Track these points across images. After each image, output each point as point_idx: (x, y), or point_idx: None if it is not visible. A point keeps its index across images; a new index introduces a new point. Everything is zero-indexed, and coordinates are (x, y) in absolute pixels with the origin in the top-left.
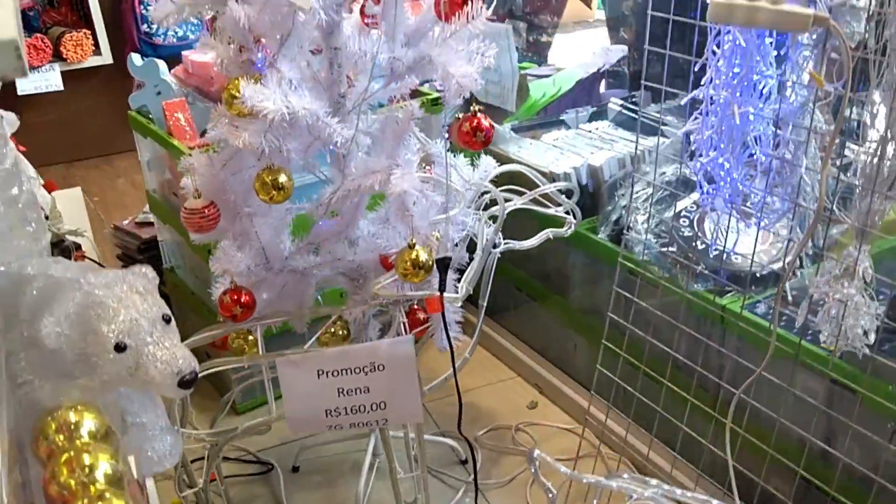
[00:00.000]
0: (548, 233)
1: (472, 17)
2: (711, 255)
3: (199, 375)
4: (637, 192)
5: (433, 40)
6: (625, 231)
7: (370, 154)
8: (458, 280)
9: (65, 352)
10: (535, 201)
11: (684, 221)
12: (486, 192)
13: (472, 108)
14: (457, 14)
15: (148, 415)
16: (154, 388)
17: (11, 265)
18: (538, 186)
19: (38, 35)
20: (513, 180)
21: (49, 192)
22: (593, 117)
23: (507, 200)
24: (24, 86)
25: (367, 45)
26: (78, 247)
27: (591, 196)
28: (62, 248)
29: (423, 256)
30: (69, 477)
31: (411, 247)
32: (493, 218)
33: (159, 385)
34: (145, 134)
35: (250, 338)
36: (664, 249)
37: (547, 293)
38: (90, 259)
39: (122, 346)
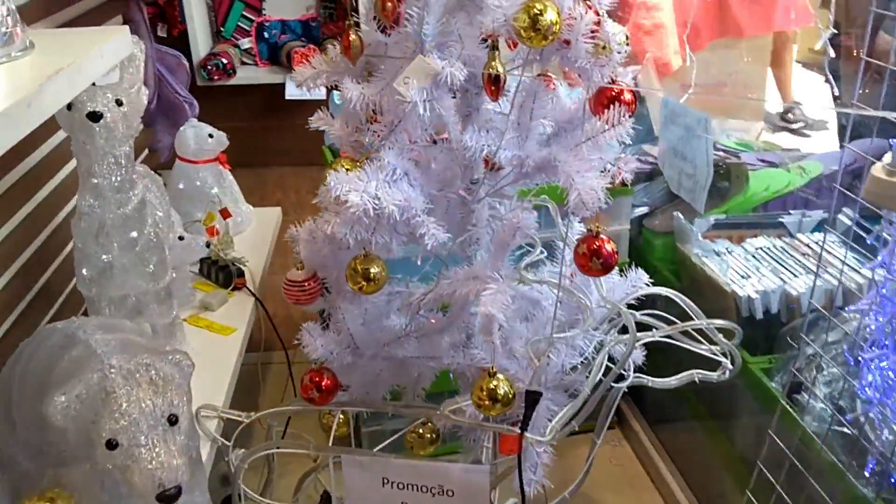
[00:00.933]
0: (693, 374)
1: (617, 122)
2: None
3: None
4: (831, 342)
5: (566, 140)
6: (801, 389)
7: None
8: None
9: (69, 432)
10: (685, 332)
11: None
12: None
13: (592, 227)
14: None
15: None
16: (135, 495)
17: (74, 323)
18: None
19: (312, 45)
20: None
21: (224, 219)
22: (819, 227)
23: (648, 328)
24: (292, 91)
25: (487, 140)
26: (241, 273)
27: (778, 326)
28: (226, 272)
29: (503, 389)
30: None
31: (491, 374)
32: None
33: (139, 492)
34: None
35: (341, 416)
36: (842, 429)
37: (702, 413)
38: (248, 289)
39: (113, 443)
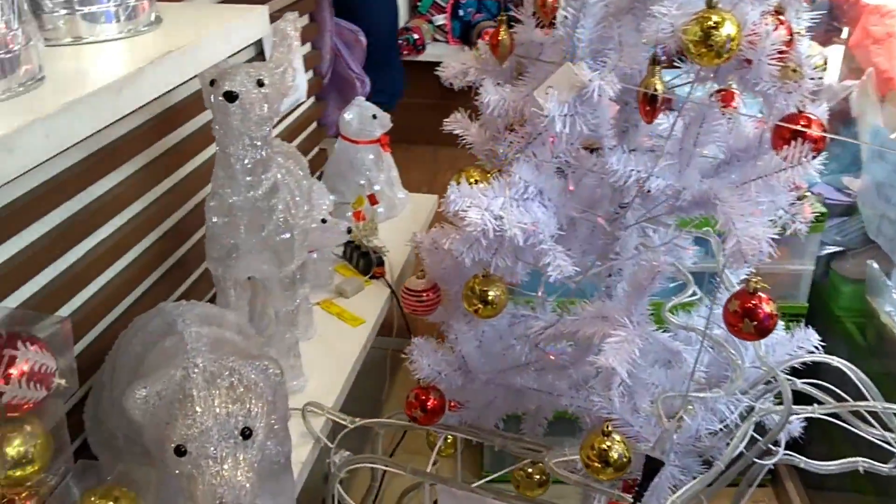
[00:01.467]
0: (858, 462)
1: (797, 162)
2: None
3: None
4: None
5: (735, 174)
6: None
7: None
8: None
9: (145, 429)
10: (855, 412)
11: None
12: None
13: (750, 283)
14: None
15: (264, 499)
16: None
17: (178, 309)
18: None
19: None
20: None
21: (371, 205)
22: None
23: (809, 399)
24: None
25: (637, 163)
26: (381, 262)
27: None
28: (367, 259)
29: (617, 452)
30: None
31: (605, 433)
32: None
33: None
34: None
35: (450, 438)
36: None
37: (870, 489)
38: (386, 280)
39: (182, 449)
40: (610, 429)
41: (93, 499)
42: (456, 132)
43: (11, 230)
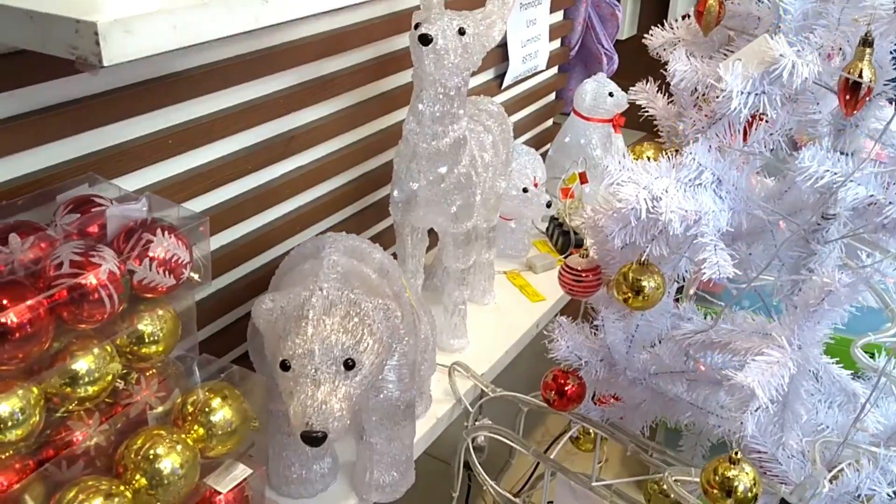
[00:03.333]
0: None
1: None
2: None
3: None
4: None
5: None
6: None
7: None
8: None
9: (267, 340)
10: None
11: None
12: None
13: None
14: None
15: (379, 438)
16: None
17: (331, 237)
18: None
19: None
20: None
21: (581, 184)
22: None
23: None
24: None
25: (835, 166)
26: (580, 244)
27: None
28: (566, 238)
29: (744, 484)
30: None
31: (733, 459)
32: None
33: (291, 424)
34: None
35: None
36: None
37: None
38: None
39: (287, 364)
40: (740, 456)
41: (204, 390)
42: (640, 102)
43: (208, 139)
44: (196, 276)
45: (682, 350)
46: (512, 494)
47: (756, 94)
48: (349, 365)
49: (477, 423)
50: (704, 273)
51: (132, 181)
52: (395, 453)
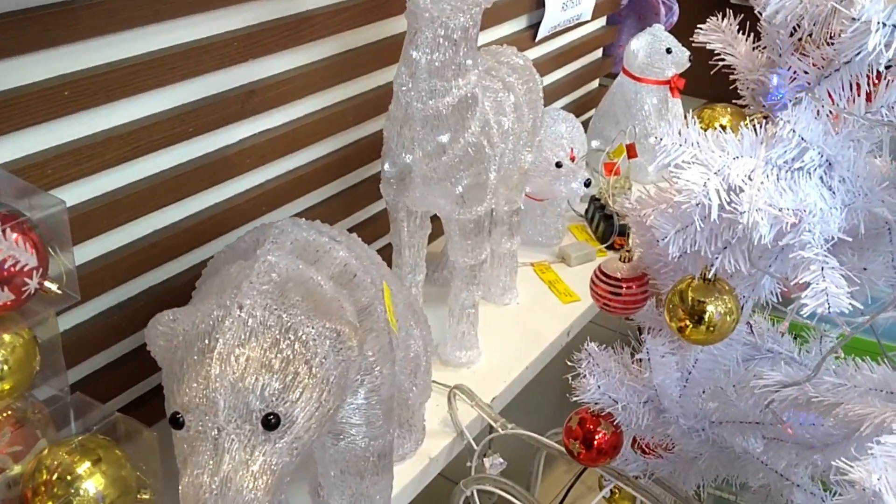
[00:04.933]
0: None
1: None
2: None
3: None
4: None
5: None
6: None
7: None
8: None
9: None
10: None
11: None
12: None
13: None
14: None
15: (341, 499)
16: None
17: (279, 227)
18: None
19: None
20: None
21: (629, 158)
22: None
23: None
24: None
25: None
26: (624, 232)
27: None
28: (608, 224)
29: None
30: None
31: None
32: None
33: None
34: None
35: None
36: None
37: None
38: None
39: (179, 420)
40: None
41: (65, 450)
42: (712, 47)
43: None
44: (54, 287)
45: (760, 401)
46: None
47: None
48: (271, 423)
49: (477, 471)
50: (805, 304)
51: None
52: None
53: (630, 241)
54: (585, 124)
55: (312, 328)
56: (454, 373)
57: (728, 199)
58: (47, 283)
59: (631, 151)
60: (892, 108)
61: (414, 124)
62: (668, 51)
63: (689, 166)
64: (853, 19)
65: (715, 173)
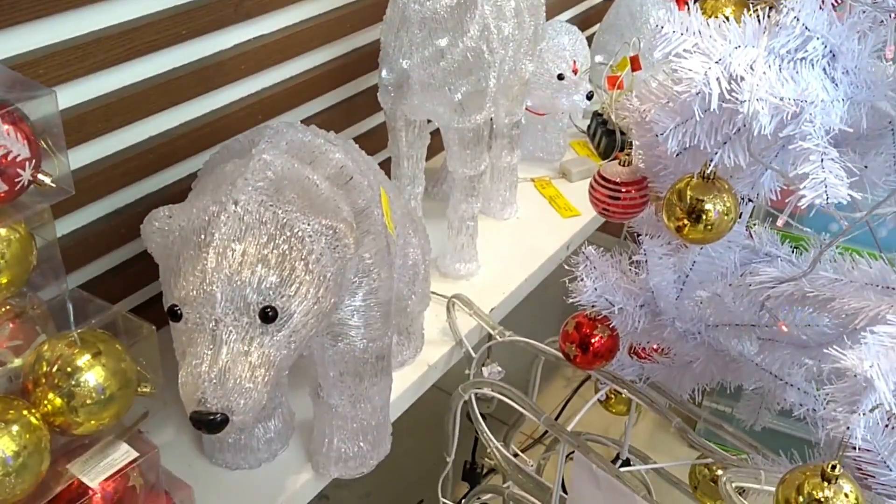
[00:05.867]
0: None
1: None
2: None
3: None
4: None
5: None
6: None
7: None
8: None
9: (161, 269)
10: None
11: None
12: None
13: None
14: None
15: (341, 399)
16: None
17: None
18: None
19: None
20: None
21: (633, 72)
22: None
23: None
24: None
25: None
26: (626, 147)
27: None
28: (610, 139)
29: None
30: None
31: (826, 476)
32: None
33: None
34: None
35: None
36: None
37: None
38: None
39: (177, 312)
40: (839, 472)
41: (65, 342)
42: None
43: None
44: (48, 180)
45: (755, 301)
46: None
47: None
48: (268, 315)
49: (475, 378)
50: (804, 196)
51: None
52: (362, 418)
53: (628, 151)
54: (590, 40)
55: (308, 225)
56: (453, 284)
57: (729, 89)
58: (41, 176)
59: (635, 64)
60: None
61: (411, 27)
62: None
63: (690, 55)
64: None
65: (716, 62)
